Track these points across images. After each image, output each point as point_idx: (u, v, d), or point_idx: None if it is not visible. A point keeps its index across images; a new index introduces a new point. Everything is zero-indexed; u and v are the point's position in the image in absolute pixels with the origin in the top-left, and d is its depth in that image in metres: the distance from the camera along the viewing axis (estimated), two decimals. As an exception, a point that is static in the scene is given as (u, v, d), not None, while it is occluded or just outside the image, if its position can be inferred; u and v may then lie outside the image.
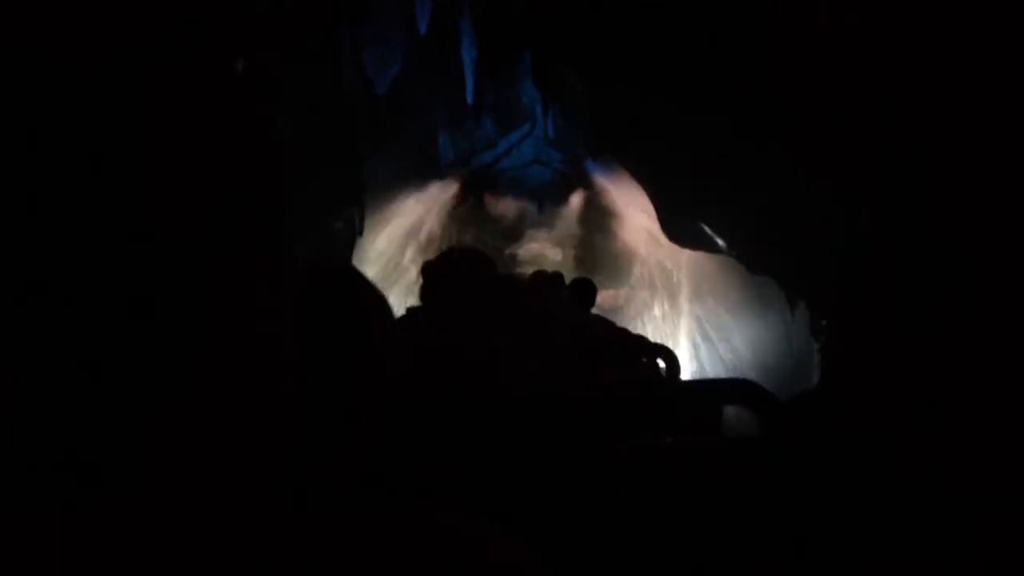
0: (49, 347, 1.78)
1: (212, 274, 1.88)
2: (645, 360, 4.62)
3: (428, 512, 1.66)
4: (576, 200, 13.67)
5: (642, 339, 5.12)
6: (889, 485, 2.02)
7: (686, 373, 10.47)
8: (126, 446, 1.77)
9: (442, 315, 2.34)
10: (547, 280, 5.12)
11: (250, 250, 1.96)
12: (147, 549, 1.68)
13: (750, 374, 10.48)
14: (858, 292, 6.98)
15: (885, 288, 6.50)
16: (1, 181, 1.71)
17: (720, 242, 10.07)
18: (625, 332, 4.87)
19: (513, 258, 12.82)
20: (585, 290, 5.43)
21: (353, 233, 11.08)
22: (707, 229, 10.05)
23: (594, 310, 5.84)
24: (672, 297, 12.60)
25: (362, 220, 11.26)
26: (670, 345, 11.71)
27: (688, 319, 12.28)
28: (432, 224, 13.03)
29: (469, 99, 13.46)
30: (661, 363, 4.76)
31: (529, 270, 11.02)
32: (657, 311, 12.71)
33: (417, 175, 13.09)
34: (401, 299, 11.84)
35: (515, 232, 13.48)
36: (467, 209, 13.56)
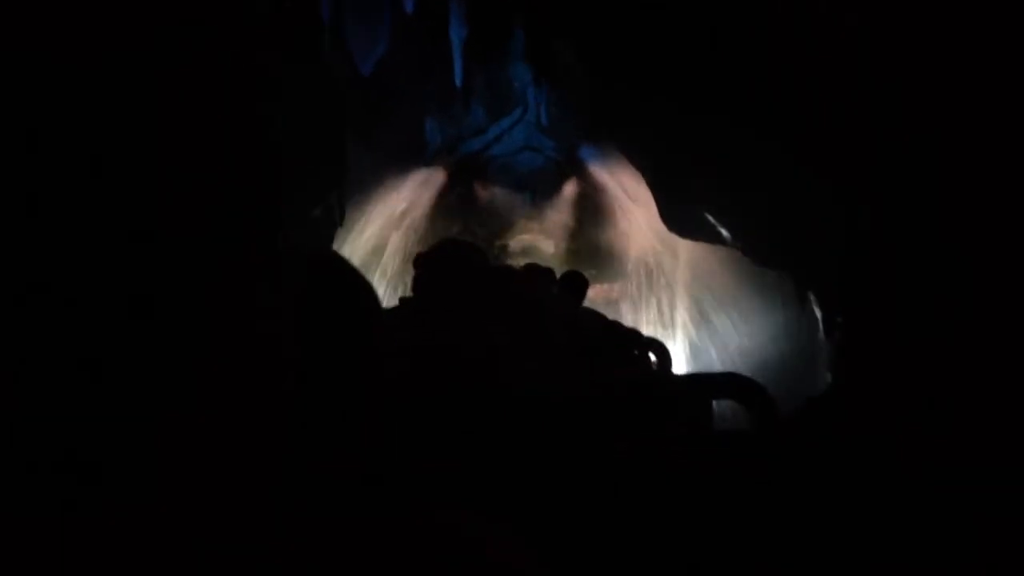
0: (49, 347, 1.89)
1: (212, 274, 2.00)
2: (637, 353, 4.76)
3: (427, 512, 1.78)
4: (569, 189, 13.65)
5: (634, 332, 5.25)
6: (897, 485, 2.13)
7: (683, 370, 10.60)
8: (126, 446, 1.87)
9: (436, 308, 2.46)
10: (538, 274, 5.22)
11: (250, 250, 2.08)
12: (147, 549, 1.78)
13: (751, 372, 10.58)
14: (876, 287, 7.04)
15: (903, 283, 6.60)
16: (1, 181, 1.83)
17: (724, 233, 9.99)
18: (617, 325, 5.01)
19: (503, 250, 12.82)
20: (576, 283, 5.54)
21: (333, 222, 11.07)
22: (711, 218, 9.96)
23: (587, 304, 5.96)
24: (669, 291, 12.60)
25: (343, 208, 11.27)
26: (667, 341, 11.87)
27: (686, 314, 12.29)
28: (418, 214, 12.96)
29: (457, 82, 13.45)
30: (653, 357, 4.90)
31: (520, 262, 11.07)
32: (653, 306, 12.72)
33: (402, 162, 13.07)
34: (383, 290, 11.94)
35: (505, 223, 13.44)
36: (455, 198, 13.51)
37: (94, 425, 1.88)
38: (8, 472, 1.82)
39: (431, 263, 2.72)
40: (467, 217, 13.38)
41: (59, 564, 1.79)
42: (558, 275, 5.76)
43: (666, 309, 12.62)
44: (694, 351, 11.95)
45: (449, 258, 2.80)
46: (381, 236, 12.34)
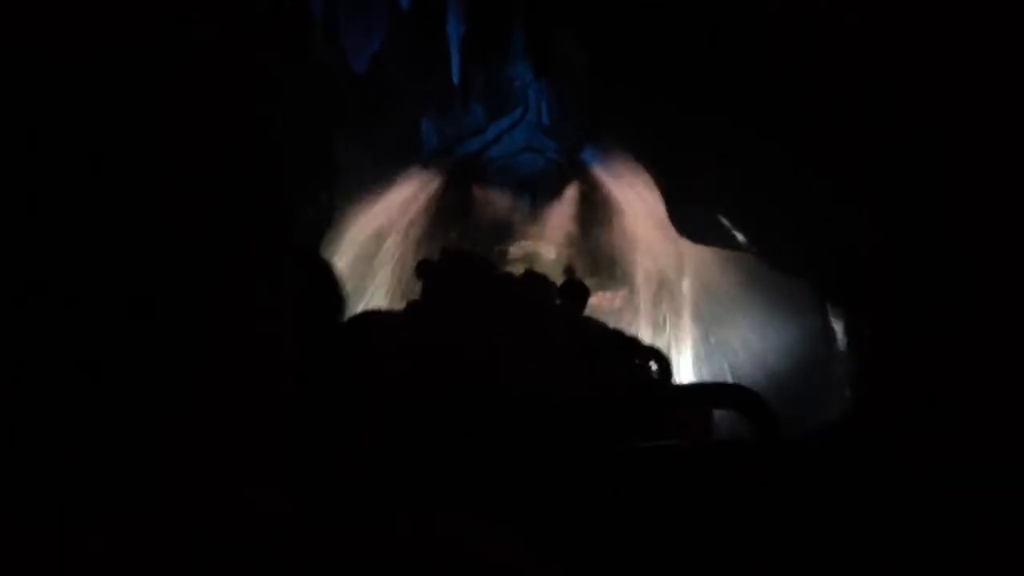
0: (49, 347, 2.01)
1: (212, 274, 2.14)
2: (638, 362, 4.89)
3: (428, 512, 1.89)
4: (571, 193, 13.59)
5: (635, 341, 5.42)
6: (920, 510, 2.22)
7: (689, 381, 10.65)
8: (126, 446, 2.00)
9: (438, 312, 2.57)
10: (537, 280, 5.36)
11: (250, 250, 2.21)
12: (147, 549, 1.89)
13: (761, 384, 10.60)
14: (905, 296, 7.04)
15: (933, 292, 6.64)
16: (1, 181, 1.95)
17: (740, 236, 9.82)
18: (618, 333, 5.16)
19: (503, 256, 12.75)
20: (576, 292, 5.71)
21: (324, 223, 11.12)
22: (724, 221, 9.81)
23: (590, 314, 6.11)
24: (675, 300, 12.59)
25: (332, 210, 11.31)
26: (673, 352, 11.91)
27: (693, 324, 12.28)
28: (413, 217, 12.93)
29: (455, 80, 13.56)
30: (654, 365, 5.04)
31: (520, 269, 11.11)
32: (659, 315, 12.68)
33: (398, 163, 13.04)
34: (377, 296, 12.00)
35: (505, 227, 13.41)
36: (452, 201, 13.46)
37: (94, 425, 1.99)
38: (8, 472, 1.93)
39: (435, 270, 2.86)
40: (465, 221, 13.39)
41: (59, 564, 1.89)
42: (559, 283, 5.92)
43: (672, 318, 12.60)
44: (701, 362, 11.93)
45: (453, 266, 2.94)
46: (376, 240, 12.35)
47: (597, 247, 13.18)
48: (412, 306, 2.88)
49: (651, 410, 3.06)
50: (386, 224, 12.64)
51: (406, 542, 1.89)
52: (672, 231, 11.56)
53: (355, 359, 2.38)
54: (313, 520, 1.95)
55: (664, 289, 12.77)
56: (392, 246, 12.45)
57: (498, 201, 13.67)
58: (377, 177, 12.56)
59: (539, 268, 11.73)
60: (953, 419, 5.96)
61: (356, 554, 1.89)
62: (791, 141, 7.44)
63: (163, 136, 2.13)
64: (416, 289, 3.69)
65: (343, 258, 11.66)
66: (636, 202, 12.84)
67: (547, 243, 13.25)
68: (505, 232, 13.39)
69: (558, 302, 5.37)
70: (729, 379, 10.75)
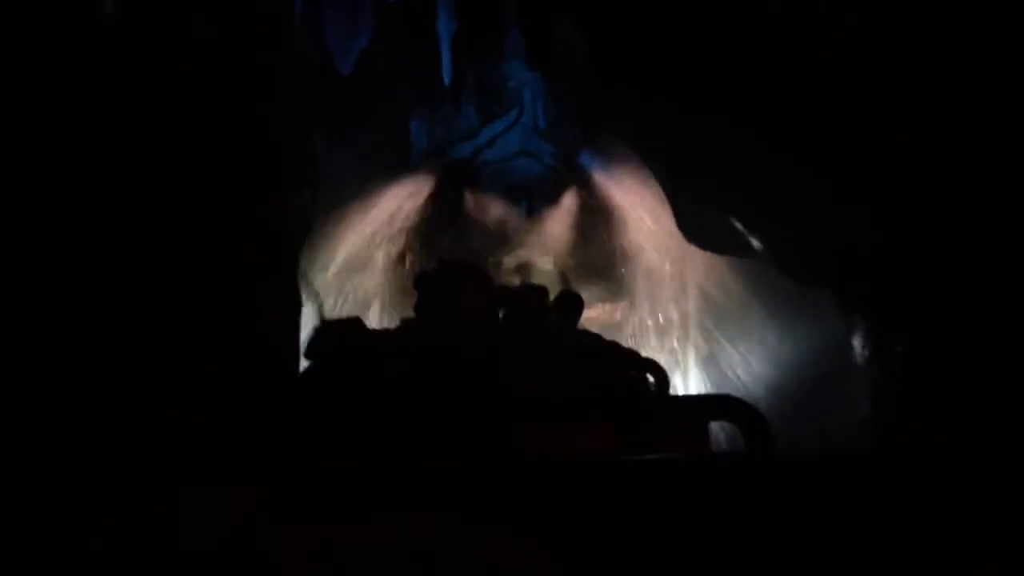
0: (49, 347, 2.19)
1: (212, 274, 2.31)
2: (634, 374, 5.06)
3: (428, 512, 2.04)
4: (569, 199, 13.60)
5: (632, 352, 5.60)
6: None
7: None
8: (126, 446, 2.17)
9: (437, 318, 2.73)
10: (533, 291, 5.52)
11: (250, 250, 2.38)
12: (147, 549, 2.05)
13: (769, 400, 10.67)
14: (936, 309, 7.06)
15: (965, 304, 6.71)
16: (1, 181, 2.12)
17: (755, 243, 9.53)
18: (615, 345, 5.33)
19: (497, 267, 12.63)
20: (570, 304, 5.88)
21: (303, 231, 11.13)
22: (738, 225, 9.54)
23: (588, 327, 6.29)
24: (679, 312, 12.60)
25: (312, 218, 11.32)
26: (678, 367, 11.99)
27: (698, 337, 12.31)
28: (402, 225, 12.96)
29: (446, 80, 13.65)
30: (650, 377, 5.23)
31: (516, 281, 11.19)
32: (661, 328, 12.73)
33: (385, 168, 12.93)
34: (370, 307, 12.07)
35: (499, 236, 13.39)
36: (443, 208, 13.43)
37: (94, 425, 2.15)
38: (8, 472, 2.09)
39: (431, 280, 3.02)
40: (457, 230, 13.37)
41: (59, 564, 2.04)
42: (554, 294, 6.09)
43: (675, 331, 12.64)
44: (707, 377, 11.96)
45: (449, 276, 3.11)
46: (362, 251, 12.32)
47: (597, 257, 13.22)
48: (406, 322, 3.05)
49: (646, 421, 3.22)
50: (373, 233, 12.63)
51: (406, 542, 2.03)
52: (677, 240, 11.36)
53: (354, 360, 2.54)
54: (313, 520, 2.09)
55: (667, 301, 12.79)
56: (380, 256, 12.50)
57: (492, 208, 13.66)
58: (362, 183, 12.43)
59: (535, 279, 11.80)
60: (963, 422, 6.13)
61: (356, 554, 2.03)
62: (797, 143, 7.52)
63: (164, 136, 2.28)
64: (408, 302, 3.84)
65: (328, 269, 11.70)
66: (638, 209, 12.80)
67: (543, 253, 13.26)
68: (499, 241, 13.37)
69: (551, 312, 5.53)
70: (736, 395, 10.64)
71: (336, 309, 11.66)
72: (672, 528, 2.17)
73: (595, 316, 11.75)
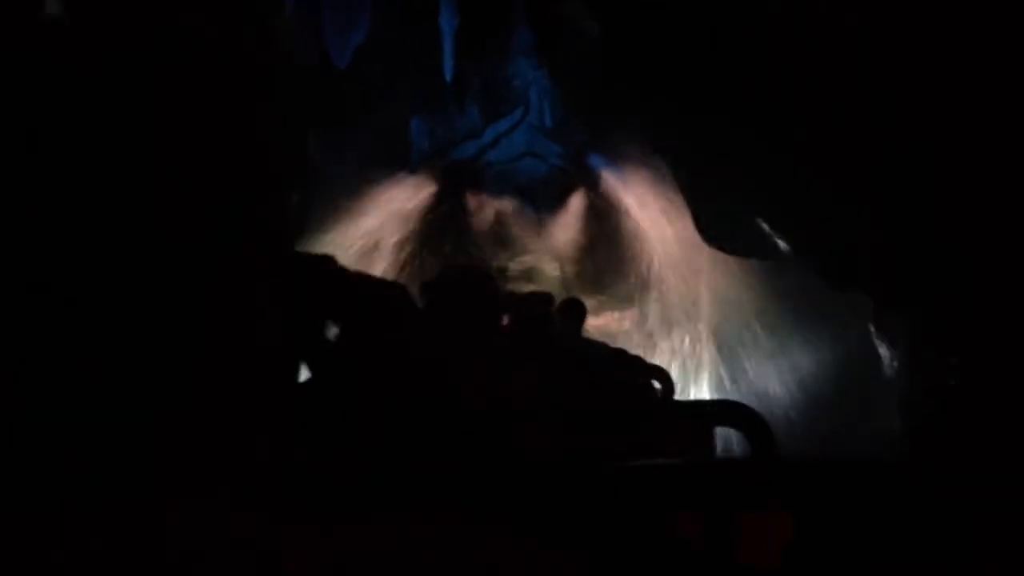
0: (49, 347, 2.34)
1: (212, 274, 2.46)
2: (640, 380, 5.24)
3: (428, 513, 2.17)
4: (576, 202, 13.64)
5: (637, 359, 5.79)
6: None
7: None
8: (126, 446, 2.31)
9: (441, 323, 2.87)
10: (538, 299, 5.69)
11: (250, 250, 2.53)
12: (147, 549, 2.19)
13: (785, 412, 10.69)
14: (986, 317, 7.05)
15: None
16: (1, 181, 2.26)
17: (782, 245, 9.46)
18: (620, 351, 5.51)
19: (502, 273, 12.65)
20: (574, 311, 6.06)
21: (295, 236, 11.08)
22: (764, 226, 9.50)
23: (596, 335, 6.49)
24: (693, 321, 12.62)
25: (304, 221, 11.27)
26: (691, 378, 12.02)
27: (711, 346, 12.38)
28: (402, 230, 12.97)
29: (448, 77, 13.65)
30: (656, 384, 5.41)
31: (521, 287, 11.24)
32: (674, 337, 12.71)
33: (384, 169, 13.06)
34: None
35: (503, 241, 13.42)
36: (445, 212, 13.46)
37: (94, 425, 2.29)
38: (8, 472, 2.22)
39: (436, 293, 3.17)
40: (460, 234, 13.37)
41: (59, 564, 2.18)
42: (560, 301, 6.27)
43: (688, 340, 12.66)
44: (719, 387, 11.94)
45: (455, 284, 3.26)
46: (360, 256, 12.24)
47: (605, 263, 13.22)
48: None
49: (650, 425, 3.36)
50: (371, 238, 12.64)
51: (406, 542, 2.15)
52: (692, 244, 11.62)
53: (358, 359, 2.68)
54: (313, 520, 2.22)
55: (680, 309, 12.79)
56: (379, 261, 12.41)
57: (496, 211, 13.67)
58: (360, 185, 12.57)
59: (541, 285, 11.84)
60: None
61: (356, 554, 2.15)
62: (827, 139, 7.50)
63: (164, 136, 2.41)
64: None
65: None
66: (649, 212, 12.91)
67: (550, 258, 13.28)
68: (503, 246, 13.40)
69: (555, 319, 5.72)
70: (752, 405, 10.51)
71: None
72: (672, 532, 2.29)
73: (603, 324, 11.78)
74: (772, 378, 11.59)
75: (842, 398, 10.25)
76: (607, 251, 13.28)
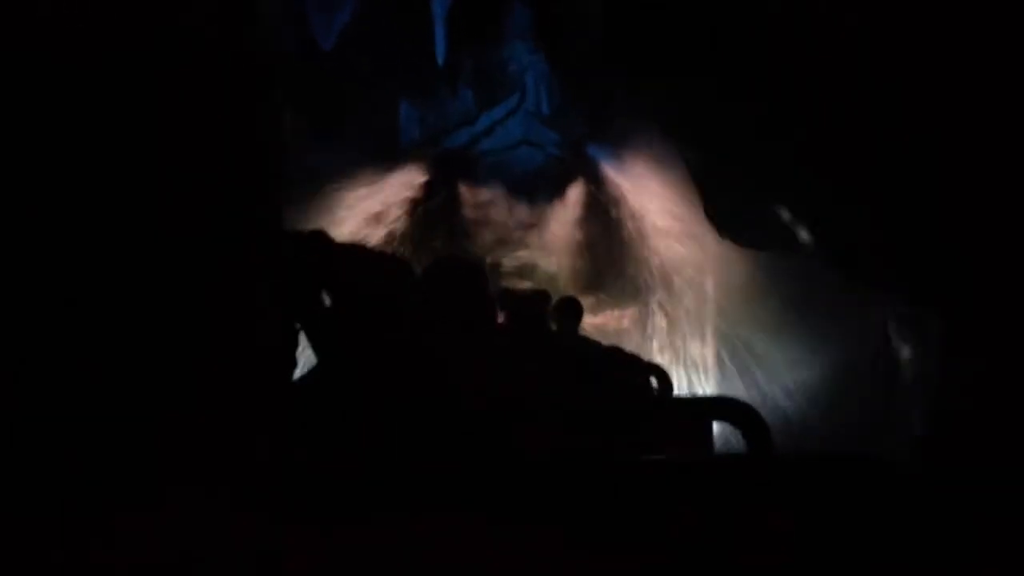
0: (49, 347, 2.52)
1: (212, 274, 2.64)
2: (638, 379, 5.43)
3: (428, 512, 2.33)
4: (575, 193, 13.59)
5: (635, 357, 5.98)
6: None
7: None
8: (126, 446, 2.50)
9: (436, 320, 3.04)
10: (534, 300, 5.90)
11: (250, 250, 2.71)
12: (147, 549, 2.37)
13: (796, 418, 10.72)
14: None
15: None
16: (1, 181, 2.44)
17: (803, 235, 9.32)
18: (617, 349, 5.70)
19: (496, 269, 12.70)
20: (570, 310, 6.24)
21: (267, 228, 11.06)
22: (784, 215, 9.38)
23: (595, 335, 6.70)
24: (699, 320, 12.65)
25: (280, 215, 11.25)
26: (698, 381, 12.08)
27: (720, 349, 12.42)
28: (390, 223, 12.94)
29: (440, 61, 13.71)
30: (654, 382, 5.61)
31: (516, 284, 11.30)
32: (676, 336, 12.75)
33: (371, 159, 12.96)
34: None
35: (498, 235, 13.35)
36: (436, 204, 13.46)
37: (94, 425, 2.47)
38: (8, 472, 2.40)
39: (430, 281, 3.35)
40: (452, 227, 13.39)
41: (59, 564, 2.35)
42: (558, 298, 6.47)
43: (691, 340, 12.69)
44: (726, 390, 11.84)
45: (448, 279, 3.44)
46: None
47: (605, 258, 13.23)
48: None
49: (647, 422, 3.54)
50: (357, 232, 12.45)
51: (405, 542, 2.32)
52: (698, 239, 11.82)
53: (359, 359, 2.85)
54: (313, 520, 2.38)
55: (684, 307, 12.81)
56: None
57: (490, 204, 13.60)
58: (346, 176, 12.49)
59: (537, 282, 11.89)
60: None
61: (356, 554, 2.32)
62: (859, 117, 7.46)
63: (164, 136, 2.57)
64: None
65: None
66: (653, 204, 12.89)
67: (547, 253, 13.26)
68: (498, 240, 13.37)
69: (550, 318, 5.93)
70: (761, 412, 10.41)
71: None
72: (671, 529, 2.45)
73: (601, 323, 11.82)
74: (782, 380, 11.57)
75: (857, 402, 10.14)
76: (607, 246, 13.29)
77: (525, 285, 11.84)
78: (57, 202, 2.50)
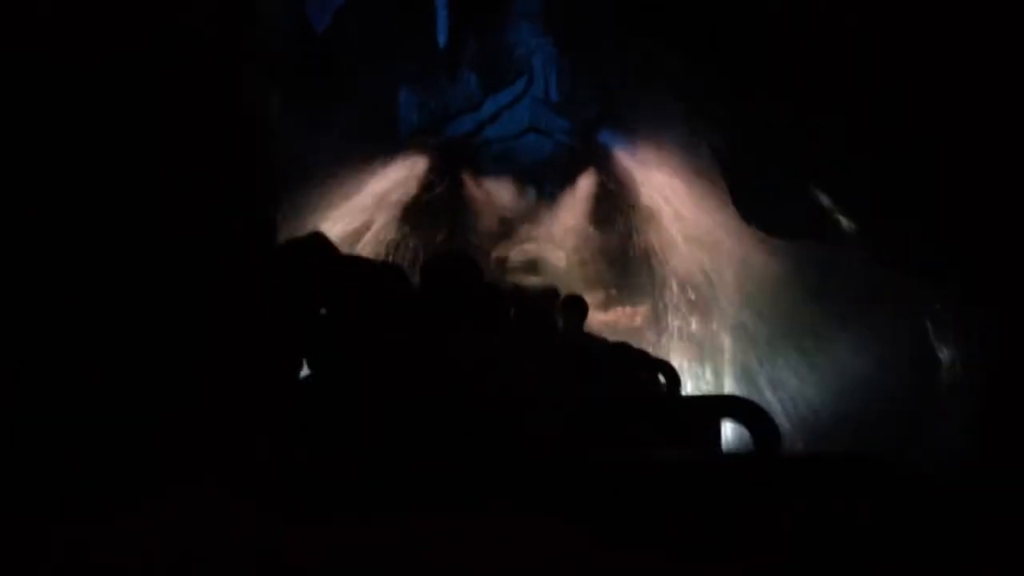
0: (49, 347, 2.72)
1: (212, 274, 2.84)
2: (645, 375, 5.60)
3: (428, 512, 2.51)
4: (585, 183, 13.61)
5: (642, 353, 6.13)
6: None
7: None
8: (126, 446, 2.69)
9: (438, 316, 3.23)
10: (540, 296, 6.10)
11: (250, 250, 2.90)
12: (147, 549, 2.57)
13: (824, 420, 10.69)
14: None
15: None
16: (1, 181, 2.63)
17: (844, 222, 9.08)
18: (624, 345, 5.86)
19: (502, 263, 12.80)
20: (576, 309, 6.45)
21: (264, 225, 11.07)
22: (824, 199, 9.12)
23: (606, 334, 6.89)
24: (713, 318, 12.69)
25: (276, 208, 11.20)
26: (716, 381, 12.06)
27: (738, 349, 12.43)
28: (389, 216, 13.00)
29: (442, 43, 13.91)
30: (661, 378, 5.78)
31: (522, 279, 11.34)
32: (691, 336, 12.82)
33: (368, 146, 12.98)
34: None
35: (504, 227, 13.41)
36: (439, 195, 13.51)
37: (94, 425, 2.66)
38: (8, 472, 2.58)
39: (431, 275, 3.54)
40: (455, 220, 13.40)
41: (60, 564, 2.54)
42: (567, 293, 6.67)
43: (707, 341, 12.73)
44: (747, 393, 11.71)
45: (452, 271, 3.62)
46: (342, 247, 11.94)
47: (616, 252, 13.24)
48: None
49: (655, 420, 3.72)
50: (355, 226, 12.63)
51: (405, 542, 2.49)
52: (716, 230, 11.82)
53: (358, 359, 3.04)
54: (313, 520, 2.56)
55: (700, 305, 12.82)
56: (365, 252, 11.92)
57: (495, 194, 13.65)
58: (342, 166, 12.43)
59: (545, 276, 11.88)
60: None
61: (356, 553, 2.49)
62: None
63: (164, 137, 2.76)
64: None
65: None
66: (668, 194, 12.90)
67: (555, 247, 13.19)
68: (504, 233, 13.41)
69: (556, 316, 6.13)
70: (779, 416, 10.33)
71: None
72: (676, 528, 2.61)
73: (612, 320, 12.04)
74: (807, 382, 11.58)
75: (889, 405, 10.01)
76: (619, 239, 13.29)
77: (533, 280, 11.82)
78: (57, 201, 2.68)
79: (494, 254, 12.87)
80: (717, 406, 4.54)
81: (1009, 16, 6.55)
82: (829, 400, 11.21)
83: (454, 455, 2.88)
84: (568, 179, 13.82)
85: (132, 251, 2.74)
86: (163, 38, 2.83)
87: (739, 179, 10.32)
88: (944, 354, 8.94)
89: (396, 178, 13.23)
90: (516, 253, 13.20)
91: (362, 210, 12.82)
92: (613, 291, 12.79)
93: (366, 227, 12.87)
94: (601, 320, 9.96)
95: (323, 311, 3.13)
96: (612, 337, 7.06)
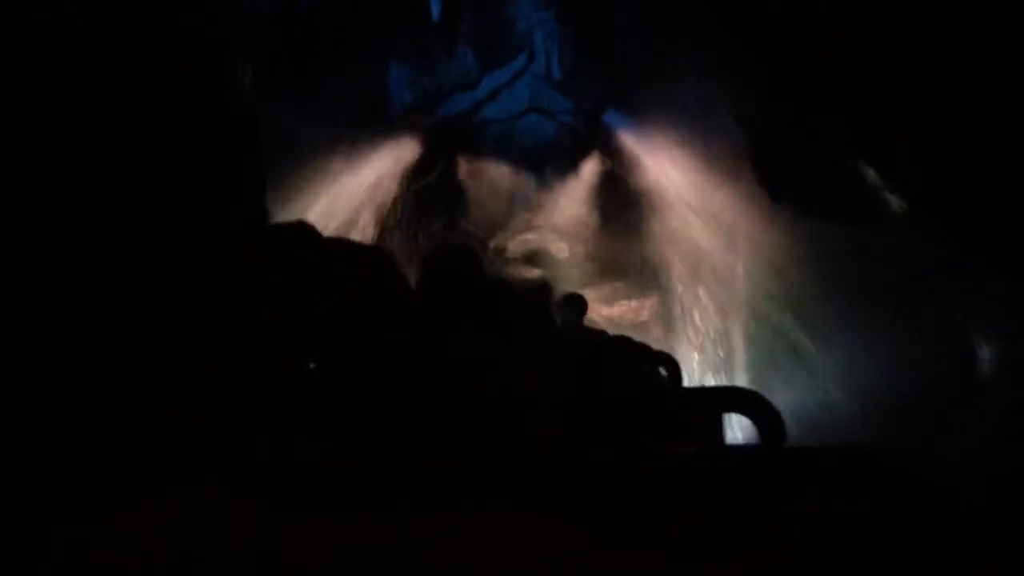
0: (49, 347, 2.97)
1: (212, 274, 3.09)
2: (646, 367, 5.82)
3: (428, 512, 2.74)
4: (590, 168, 13.59)
5: (643, 346, 6.32)
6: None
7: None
8: (126, 446, 2.94)
9: (437, 314, 3.45)
10: (535, 291, 6.34)
11: (250, 251, 3.14)
12: (148, 549, 2.81)
13: (849, 421, 10.69)
14: None
15: None
16: (1, 181, 2.87)
17: (894, 202, 8.80)
18: (624, 339, 6.08)
19: (500, 254, 12.86)
20: (574, 305, 6.68)
21: (252, 212, 11.04)
22: (871, 175, 8.88)
23: (610, 329, 7.14)
24: (725, 312, 12.63)
25: (263, 196, 11.13)
26: (728, 376, 12.05)
27: (747, 343, 12.41)
28: (380, 201, 12.98)
29: (435, 15, 13.81)
30: (663, 371, 6.00)
31: (522, 271, 11.45)
32: (700, 331, 12.82)
33: (357, 127, 12.83)
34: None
35: (502, 215, 13.41)
36: (432, 180, 13.50)
37: (94, 425, 2.89)
38: (8, 472, 2.82)
39: (430, 269, 3.76)
40: (450, 207, 13.39)
41: (60, 564, 2.77)
42: (570, 285, 6.93)
43: (718, 336, 12.70)
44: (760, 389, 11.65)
45: (452, 265, 3.83)
46: (332, 233, 11.96)
47: (622, 241, 13.19)
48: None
49: (661, 413, 3.93)
50: (343, 213, 12.55)
51: (405, 542, 2.71)
52: (731, 216, 11.82)
53: (358, 358, 3.26)
54: (313, 520, 2.78)
55: (712, 295, 12.77)
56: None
57: (493, 179, 13.63)
58: (328, 149, 12.36)
59: (546, 269, 11.97)
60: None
61: (356, 553, 2.71)
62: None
63: (164, 136, 2.98)
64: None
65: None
66: (678, 179, 12.79)
67: (557, 237, 13.23)
68: (502, 222, 13.43)
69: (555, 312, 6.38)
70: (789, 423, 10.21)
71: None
72: (676, 528, 2.82)
73: (617, 315, 12.20)
74: (829, 379, 11.58)
75: (918, 404, 9.91)
76: (624, 228, 13.23)
77: (533, 272, 11.83)
78: (56, 201, 2.90)
79: (492, 244, 12.92)
80: (719, 398, 4.74)
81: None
82: (856, 397, 11.16)
83: (454, 455, 3.10)
84: (571, 163, 13.79)
85: (132, 249, 2.96)
86: (163, 38, 3.04)
87: (765, 153, 10.29)
88: (984, 352, 9.06)
89: (386, 160, 13.10)
90: (515, 243, 13.27)
91: (351, 195, 12.73)
92: (618, 283, 12.90)
93: (355, 214, 12.78)
94: (606, 315, 10.09)
95: (322, 312, 3.34)
96: (617, 333, 7.29)
